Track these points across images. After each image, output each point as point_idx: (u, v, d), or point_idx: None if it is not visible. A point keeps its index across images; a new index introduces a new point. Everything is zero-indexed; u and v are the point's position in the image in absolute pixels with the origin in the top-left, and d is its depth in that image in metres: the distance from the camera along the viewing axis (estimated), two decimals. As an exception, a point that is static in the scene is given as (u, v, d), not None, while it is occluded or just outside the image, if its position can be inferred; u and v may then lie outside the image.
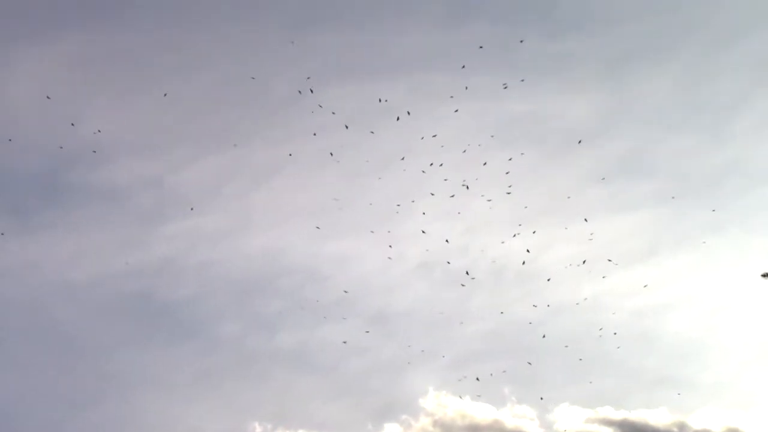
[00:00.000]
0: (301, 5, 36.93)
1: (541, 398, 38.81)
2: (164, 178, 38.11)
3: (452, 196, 33.15)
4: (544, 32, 33.04)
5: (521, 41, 27.18)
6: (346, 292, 30.81)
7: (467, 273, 31.59)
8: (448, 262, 34.33)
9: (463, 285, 32.88)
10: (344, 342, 34.37)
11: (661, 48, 28.56)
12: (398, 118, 27.64)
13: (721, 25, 32.52)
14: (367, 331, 33.46)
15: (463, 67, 26.70)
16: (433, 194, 33.23)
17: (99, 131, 36.12)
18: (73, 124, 36.73)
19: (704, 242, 29.26)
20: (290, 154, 36.65)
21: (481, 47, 25.36)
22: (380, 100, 26.99)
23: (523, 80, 26.14)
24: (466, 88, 28.68)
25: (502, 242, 30.35)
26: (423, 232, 33.74)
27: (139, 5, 38.17)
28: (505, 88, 24.13)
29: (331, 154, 34.54)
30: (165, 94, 27.78)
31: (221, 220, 37.14)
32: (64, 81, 38.04)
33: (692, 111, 32.82)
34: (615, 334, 31.61)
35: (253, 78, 32.66)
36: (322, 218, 36.34)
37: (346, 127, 31.94)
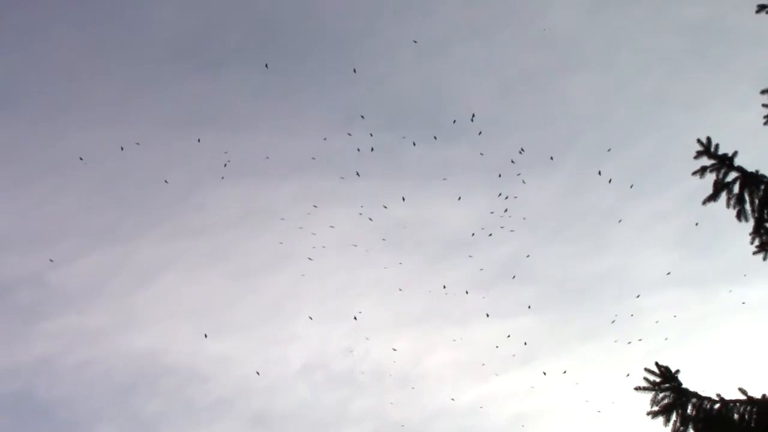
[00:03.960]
0: (190, 105, 37.20)
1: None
2: (45, 274, 37.12)
3: (335, 299, 33.41)
4: (428, 138, 33.97)
5: (413, 144, 27.86)
6: (257, 373, 30.06)
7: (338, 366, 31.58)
8: (330, 365, 34.29)
9: (345, 387, 32.93)
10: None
11: (544, 157, 30.03)
12: (282, 219, 27.91)
13: (603, 137, 34.27)
14: None
15: (343, 173, 27.35)
16: (315, 297, 33.38)
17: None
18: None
19: (582, 348, 30.31)
20: (175, 254, 36.41)
21: (359, 149, 25.99)
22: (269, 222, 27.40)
23: (403, 193, 26.91)
24: (351, 192, 29.28)
25: (384, 346, 30.56)
26: (305, 334, 33.72)
27: (24, 100, 37.82)
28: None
29: (217, 253, 34.55)
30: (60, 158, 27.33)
31: (103, 318, 36.26)
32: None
33: (572, 219, 34.13)
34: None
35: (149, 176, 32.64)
36: (205, 318, 35.91)
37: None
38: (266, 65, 28.13)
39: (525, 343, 26.47)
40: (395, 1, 35.70)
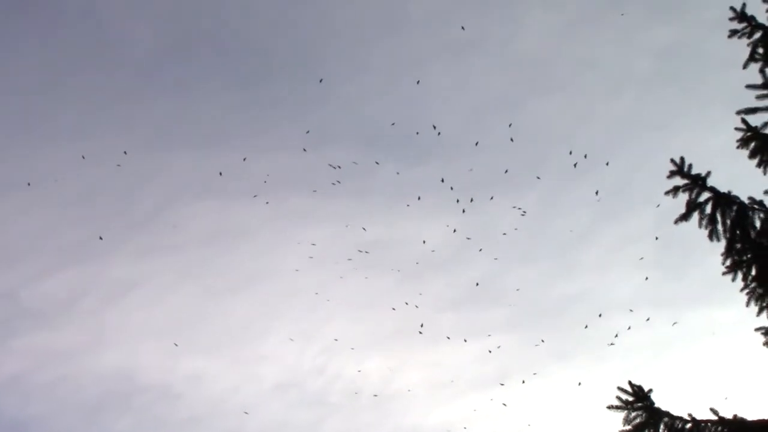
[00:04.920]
0: (162, 124, 37.12)
1: None
2: (16, 292, 36.74)
3: (308, 317, 33.23)
4: (399, 159, 34.11)
5: (376, 163, 28.00)
6: (246, 413, 29.67)
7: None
8: (303, 384, 34.12)
9: (318, 407, 32.80)
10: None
11: (515, 179, 30.17)
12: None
13: (572, 158, 34.55)
14: None
15: (315, 192, 27.35)
16: (289, 315, 33.25)
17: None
18: None
19: (552, 369, 30.41)
20: (146, 272, 36.19)
21: (337, 182, 26.04)
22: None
23: (374, 213, 27.00)
24: (324, 212, 29.27)
25: (358, 366, 30.51)
26: (278, 352, 33.56)
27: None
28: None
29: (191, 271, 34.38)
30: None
31: (74, 336, 35.89)
32: None
33: (542, 241, 34.27)
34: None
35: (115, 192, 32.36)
36: (177, 336, 35.66)
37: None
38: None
39: (489, 351, 26.42)
40: (367, 21, 35.84)
